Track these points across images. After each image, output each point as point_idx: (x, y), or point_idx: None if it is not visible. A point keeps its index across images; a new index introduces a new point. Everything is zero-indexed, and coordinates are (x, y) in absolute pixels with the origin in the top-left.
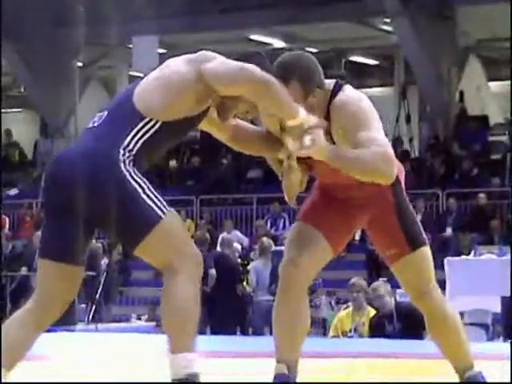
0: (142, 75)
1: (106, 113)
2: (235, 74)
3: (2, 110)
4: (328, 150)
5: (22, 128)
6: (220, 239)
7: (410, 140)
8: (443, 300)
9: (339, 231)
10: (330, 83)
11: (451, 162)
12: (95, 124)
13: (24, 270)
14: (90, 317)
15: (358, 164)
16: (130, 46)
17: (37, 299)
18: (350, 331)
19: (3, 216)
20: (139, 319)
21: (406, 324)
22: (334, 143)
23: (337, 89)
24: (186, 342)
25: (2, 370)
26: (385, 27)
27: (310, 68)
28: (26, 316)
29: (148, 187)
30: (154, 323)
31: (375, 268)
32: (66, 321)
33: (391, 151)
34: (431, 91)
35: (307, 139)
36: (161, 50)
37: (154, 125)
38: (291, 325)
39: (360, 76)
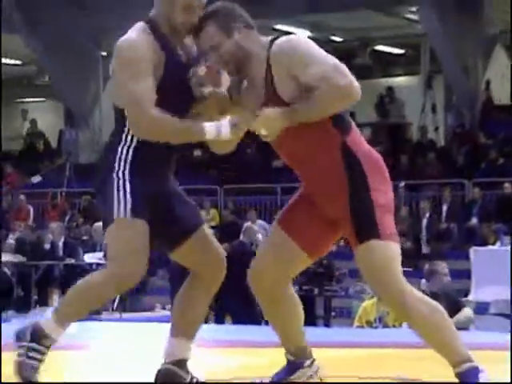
0: None
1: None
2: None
3: (28, 100)
4: (284, 117)
5: (46, 117)
6: (243, 228)
7: (436, 129)
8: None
9: (313, 233)
10: (267, 40)
11: (477, 152)
12: None
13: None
14: (115, 305)
15: (316, 112)
16: None
17: None
18: (375, 321)
19: (28, 206)
20: (164, 309)
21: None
22: (276, 95)
23: (273, 40)
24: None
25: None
26: (411, 16)
27: (225, 10)
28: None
29: (125, 187)
30: None
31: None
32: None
33: (341, 71)
34: (457, 80)
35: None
36: None
37: None
38: (287, 322)
39: (386, 65)
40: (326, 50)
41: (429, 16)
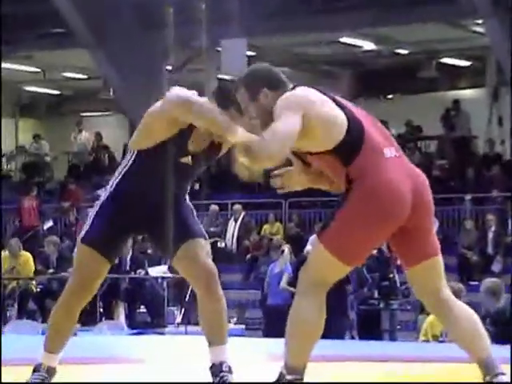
0: (230, 78)
1: None
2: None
3: (93, 114)
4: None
5: (111, 131)
6: (309, 241)
7: (502, 142)
8: None
9: None
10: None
11: None
12: None
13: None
14: (180, 319)
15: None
16: (219, 48)
17: None
18: (441, 335)
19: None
20: (229, 322)
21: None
22: None
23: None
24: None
25: None
26: (476, 28)
27: (256, 74)
28: None
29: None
30: (243, 326)
31: (467, 271)
32: (155, 323)
33: (274, 144)
34: None
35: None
36: (250, 53)
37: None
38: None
39: (451, 78)
40: (392, 63)
41: (494, 28)
